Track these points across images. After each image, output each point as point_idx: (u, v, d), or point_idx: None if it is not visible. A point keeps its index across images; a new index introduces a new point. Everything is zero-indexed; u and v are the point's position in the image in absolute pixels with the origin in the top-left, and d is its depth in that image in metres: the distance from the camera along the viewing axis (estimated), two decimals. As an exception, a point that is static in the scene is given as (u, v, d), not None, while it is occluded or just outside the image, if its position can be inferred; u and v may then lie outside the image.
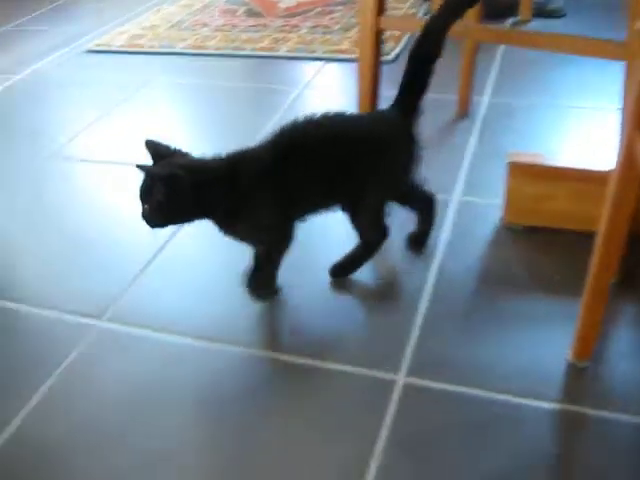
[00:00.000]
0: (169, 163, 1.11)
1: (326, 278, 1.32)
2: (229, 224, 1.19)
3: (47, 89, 2.30)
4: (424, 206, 1.37)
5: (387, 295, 1.31)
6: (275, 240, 1.23)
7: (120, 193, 1.65)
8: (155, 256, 1.42)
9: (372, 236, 1.28)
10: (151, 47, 2.50)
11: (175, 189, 1.08)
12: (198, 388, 1.13)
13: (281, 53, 2.36)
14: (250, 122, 1.90)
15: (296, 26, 2.60)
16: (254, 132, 1.59)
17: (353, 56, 2.28)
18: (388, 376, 1.11)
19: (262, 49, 2.40)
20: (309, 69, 2.27)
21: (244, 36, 2.52)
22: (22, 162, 1.86)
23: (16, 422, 1.07)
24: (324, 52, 2.33)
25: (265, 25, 2.63)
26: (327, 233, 1.45)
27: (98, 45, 2.58)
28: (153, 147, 1.14)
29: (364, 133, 1.21)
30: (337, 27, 2.55)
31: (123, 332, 1.23)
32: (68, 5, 3.16)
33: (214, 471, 0.99)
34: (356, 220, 1.25)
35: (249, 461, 1.00)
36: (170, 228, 1.22)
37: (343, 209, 1.25)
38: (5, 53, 2.63)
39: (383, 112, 1.28)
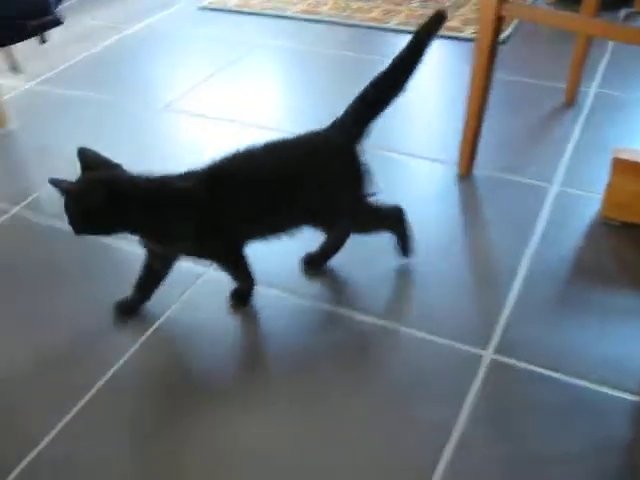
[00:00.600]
0: (87, 176, 1.11)
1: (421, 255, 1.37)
2: (161, 243, 1.18)
3: (159, 43, 2.40)
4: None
5: (480, 273, 1.35)
6: (216, 259, 1.24)
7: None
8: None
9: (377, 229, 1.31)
10: (263, 9, 2.57)
11: (85, 205, 1.09)
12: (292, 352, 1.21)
13: (390, 25, 2.39)
14: (353, 94, 1.95)
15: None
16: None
17: (463, 34, 2.30)
18: (476, 351, 1.16)
19: (372, 20, 2.44)
20: (417, 44, 2.29)
21: (355, 5, 2.56)
22: (134, 114, 1.97)
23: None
24: (433, 28, 2.34)
25: (376, -5, 2.66)
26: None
27: (211, 3, 2.66)
28: (84, 157, 1.13)
29: (301, 158, 1.18)
30: (448, 3, 2.55)
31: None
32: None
33: (310, 428, 1.08)
34: (327, 229, 1.27)
35: (338, 420, 1.07)
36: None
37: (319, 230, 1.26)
38: (121, 6, 2.74)
39: (324, 135, 1.21)
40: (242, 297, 1.28)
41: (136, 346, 1.21)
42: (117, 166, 1.14)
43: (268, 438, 1.04)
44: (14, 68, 1.78)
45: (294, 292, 1.30)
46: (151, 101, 2.02)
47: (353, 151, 1.20)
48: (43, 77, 2.17)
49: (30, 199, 1.60)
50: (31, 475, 1.01)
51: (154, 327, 1.24)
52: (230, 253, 1.23)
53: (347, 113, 1.21)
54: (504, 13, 1.35)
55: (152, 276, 1.25)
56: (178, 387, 1.14)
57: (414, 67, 1.21)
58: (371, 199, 1.24)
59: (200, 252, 1.22)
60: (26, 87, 2.12)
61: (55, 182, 1.07)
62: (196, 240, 1.17)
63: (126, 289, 1.26)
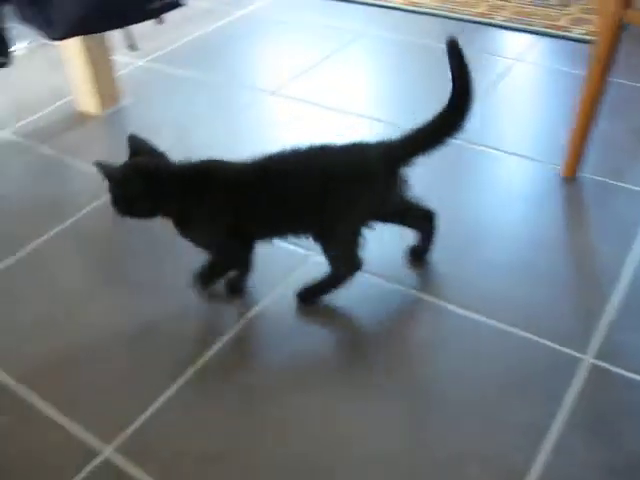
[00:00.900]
0: (128, 163, 1.18)
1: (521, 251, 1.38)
2: (181, 228, 1.23)
3: (267, 28, 2.45)
4: (422, 225, 1.34)
5: (581, 274, 1.35)
6: (217, 257, 1.26)
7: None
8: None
9: (340, 269, 1.26)
10: (369, -2, 2.59)
11: (122, 189, 1.16)
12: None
13: (496, 21, 2.38)
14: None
15: (513, -6, 2.59)
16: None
17: (571, 34, 2.27)
18: (574, 353, 1.17)
19: (477, 14, 2.43)
20: (522, 41, 2.28)
21: (460, -2, 2.56)
22: (240, 96, 2.02)
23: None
24: (540, 26, 2.33)
25: (482, -10, 2.64)
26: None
27: (318, -10, 2.69)
28: (132, 144, 1.20)
29: (334, 168, 1.18)
30: (555, 1, 2.52)
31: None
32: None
33: (404, 421, 1.11)
34: (326, 251, 1.24)
35: (425, 416, 1.10)
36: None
37: (314, 240, 1.24)
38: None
39: (368, 148, 1.21)
40: (234, 287, 1.31)
41: (242, 322, 1.26)
42: (161, 154, 1.21)
43: (369, 424, 1.08)
44: (131, 46, 1.85)
45: (396, 281, 1.33)
46: (258, 85, 2.07)
47: (391, 172, 1.20)
48: (154, 55, 2.26)
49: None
50: (143, 435, 1.08)
51: (259, 305, 1.30)
52: (232, 252, 1.27)
53: (404, 137, 1.19)
54: (628, 20, 1.34)
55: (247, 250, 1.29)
56: (279, 364, 1.19)
57: (468, 104, 1.16)
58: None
59: (207, 244, 1.25)
60: (138, 64, 2.21)
61: (99, 166, 1.15)
62: (211, 229, 1.22)
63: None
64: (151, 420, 1.10)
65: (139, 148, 1.20)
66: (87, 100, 1.94)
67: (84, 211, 1.57)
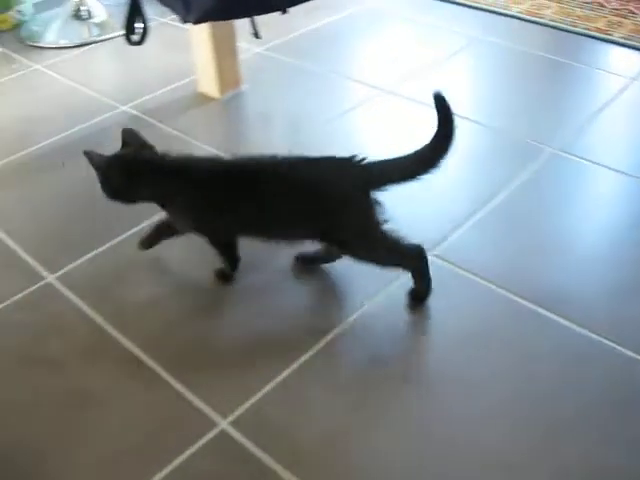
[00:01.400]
0: (113, 155, 1.29)
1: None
2: (166, 212, 1.33)
3: (381, 24, 2.48)
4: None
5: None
6: (207, 238, 1.34)
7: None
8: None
9: (394, 264, 1.29)
10: (487, 4, 2.58)
11: (105, 177, 1.27)
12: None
13: (614, 37, 2.35)
14: (568, 105, 1.94)
15: (632, 12, 2.55)
16: (568, 115, 1.62)
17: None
18: None
19: (596, 30, 2.39)
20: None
21: (579, 12, 2.52)
22: (355, 94, 2.05)
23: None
24: (661, 46, 2.28)
25: (601, 4, 2.60)
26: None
27: (435, -9, 2.70)
28: (125, 136, 1.31)
29: (318, 184, 1.22)
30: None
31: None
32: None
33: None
34: (357, 258, 1.27)
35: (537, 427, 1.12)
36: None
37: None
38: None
39: (345, 166, 1.23)
40: (223, 276, 1.39)
41: (354, 316, 1.30)
42: (150, 147, 1.31)
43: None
44: (255, 34, 1.90)
45: (507, 289, 1.35)
46: (371, 82, 2.10)
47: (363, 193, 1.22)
48: (271, 44, 2.31)
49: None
50: (260, 411, 1.13)
51: (377, 297, 1.33)
52: (215, 243, 1.35)
53: (381, 163, 1.22)
54: None
55: None
56: (390, 358, 1.22)
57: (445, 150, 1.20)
58: (391, 233, 1.24)
59: (192, 230, 1.34)
60: (256, 51, 2.27)
61: (87, 154, 1.27)
62: (191, 222, 1.32)
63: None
64: (267, 397, 1.16)
65: (131, 140, 1.31)
66: (208, 82, 2.01)
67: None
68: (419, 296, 1.32)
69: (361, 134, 1.84)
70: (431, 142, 1.21)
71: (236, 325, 1.31)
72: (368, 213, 1.22)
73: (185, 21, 1.73)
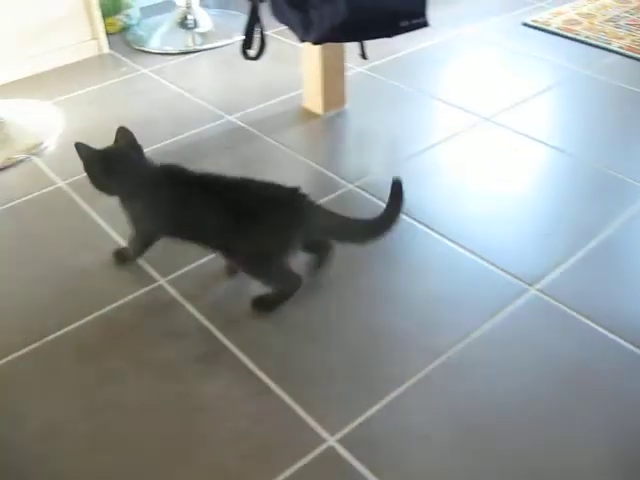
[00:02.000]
0: (99, 150, 1.38)
1: None
2: (122, 205, 1.43)
3: (480, 51, 2.50)
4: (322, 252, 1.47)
5: None
6: (132, 234, 1.47)
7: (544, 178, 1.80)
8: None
9: (275, 287, 1.42)
10: (586, 37, 2.58)
11: (88, 169, 1.38)
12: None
13: None
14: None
15: None
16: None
17: None
18: None
19: (700, 71, 2.37)
20: None
21: (683, 52, 2.50)
22: (454, 119, 2.07)
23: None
24: None
25: None
26: None
27: (535, 21, 2.71)
28: (118, 134, 1.40)
29: (255, 200, 1.34)
30: None
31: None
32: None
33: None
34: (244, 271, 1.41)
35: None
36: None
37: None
38: (447, 9, 2.85)
39: (289, 194, 1.36)
40: (122, 258, 1.54)
41: (468, 339, 1.32)
42: (138, 147, 1.40)
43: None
44: (362, 55, 1.93)
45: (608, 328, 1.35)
46: (470, 109, 2.11)
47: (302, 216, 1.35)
48: (374, 63, 2.35)
49: (362, 180, 1.76)
50: (370, 430, 1.16)
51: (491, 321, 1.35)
52: (146, 237, 1.48)
53: (325, 210, 1.39)
54: None
55: None
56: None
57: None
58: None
59: (139, 224, 1.45)
60: (358, 70, 2.31)
61: (77, 146, 1.36)
62: (133, 217, 1.44)
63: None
64: (375, 417, 1.19)
65: (123, 138, 1.40)
66: (313, 99, 2.05)
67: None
68: (266, 303, 1.43)
69: (462, 163, 1.86)
70: (376, 219, 1.38)
71: (345, 344, 1.34)
72: (271, 243, 1.35)
73: (303, 40, 1.78)
